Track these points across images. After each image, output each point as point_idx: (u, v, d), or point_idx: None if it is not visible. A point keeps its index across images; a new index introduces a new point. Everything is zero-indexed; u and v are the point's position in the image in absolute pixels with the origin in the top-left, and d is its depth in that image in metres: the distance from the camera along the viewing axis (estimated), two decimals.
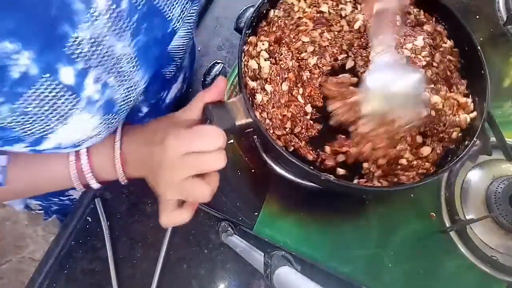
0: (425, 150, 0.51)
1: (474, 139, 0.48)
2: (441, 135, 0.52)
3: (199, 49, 0.71)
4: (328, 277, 0.54)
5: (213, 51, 0.70)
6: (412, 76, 0.47)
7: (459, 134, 0.51)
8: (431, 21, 0.58)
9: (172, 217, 0.41)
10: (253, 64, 0.52)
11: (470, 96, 0.53)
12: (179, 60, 0.51)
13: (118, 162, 0.42)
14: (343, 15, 0.59)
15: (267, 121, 0.51)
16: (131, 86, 0.40)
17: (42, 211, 0.80)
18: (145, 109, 0.54)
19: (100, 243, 0.56)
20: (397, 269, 0.54)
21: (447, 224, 0.56)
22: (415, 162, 0.51)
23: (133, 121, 0.53)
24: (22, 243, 1.47)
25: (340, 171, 0.50)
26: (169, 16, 0.40)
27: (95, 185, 0.44)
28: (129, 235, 0.56)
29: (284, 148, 0.46)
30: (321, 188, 0.56)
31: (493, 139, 0.54)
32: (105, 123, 0.38)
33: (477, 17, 0.75)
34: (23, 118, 0.32)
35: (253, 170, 0.58)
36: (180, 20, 0.43)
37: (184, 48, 0.49)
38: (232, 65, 0.66)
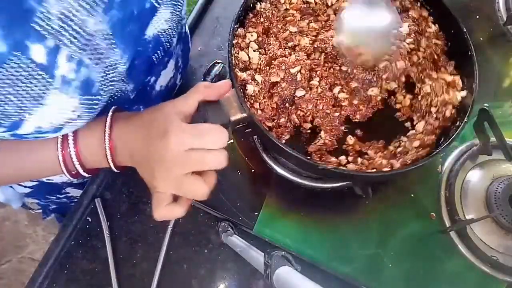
0: (420, 125, 0.52)
1: (466, 119, 0.48)
2: (435, 115, 0.52)
3: (199, 49, 0.71)
4: (328, 277, 0.54)
5: (213, 51, 0.70)
6: (386, 14, 0.51)
7: (453, 111, 0.51)
8: (416, 6, 0.58)
9: (167, 210, 0.41)
10: (243, 55, 0.53)
11: (459, 77, 0.53)
12: (167, 44, 0.50)
13: (107, 150, 0.41)
14: (329, 4, 0.59)
15: (259, 111, 0.51)
16: (110, 66, 0.38)
17: (41, 210, 0.80)
18: (132, 95, 0.53)
19: (100, 243, 0.56)
20: (397, 269, 0.54)
21: (447, 224, 0.56)
22: (414, 143, 0.51)
23: (122, 107, 0.53)
24: (22, 243, 1.47)
25: (342, 159, 0.51)
26: None
27: (83, 173, 0.43)
28: (129, 235, 0.56)
29: (278, 139, 0.47)
30: (321, 188, 0.56)
31: (493, 139, 0.54)
32: (85, 105, 0.37)
33: (477, 17, 0.75)
34: None
35: (253, 170, 0.58)
36: None
37: (173, 32, 0.48)
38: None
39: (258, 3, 0.57)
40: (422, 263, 0.54)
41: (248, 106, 0.47)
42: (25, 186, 0.67)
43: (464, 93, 0.52)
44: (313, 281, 0.36)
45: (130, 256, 0.55)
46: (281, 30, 0.56)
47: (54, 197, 0.74)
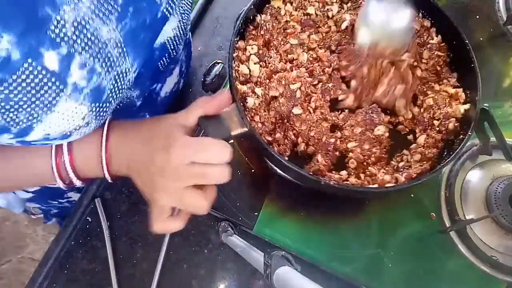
0: (421, 138, 0.52)
1: (469, 132, 0.47)
2: (438, 128, 0.52)
3: (199, 49, 0.71)
4: (328, 277, 0.54)
5: (213, 51, 0.70)
6: (403, 11, 0.51)
7: (456, 124, 0.51)
8: (417, 17, 0.58)
9: (166, 224, 0.41)
10: (243, 69, 0.52)
11: (462, 89, 0.53)
12: (174, 52, 0.50)
13: (103, 159, 0.41)
14: (330, 15, 0.59)
15: (259, 124, 0.50)
16: (120, 74, 0.38)
17: (42, 215, 0.80)
18: (138, 102, 0.53)
19: (100, 243, 0.56)
20: (397, 269, 0.54)
21: (447, 224, 0.56)
22: (415, 157, 0.51)
23: (128, 114, 0.52)
24: (22, 243, 1.47)
25: (342, 174, 0.50)
26: None
27: (76, 182, 0.42)
28: (129, 235, 0.56)
29: (281, 155, 0.46)
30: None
31: (493, 139, 0.54)
32: (94, 112, 0.37)
33: (477, 17, 0.75)
34: (6, 107, 0.31)
35: (253, 170, 0.58)
36: (171, 4, 0.42)
37: (179, 40, 0.48)
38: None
39: (258, 15, 0.56)
40: (422, 263, 0.54)
41: (249, 120, 0.47)
42: (27, 191, 0.67)
43: (467, 106, 0.51)
44: (313, 281, 0.36)
45: (130, 256, 0.55)
46: (282, 43, 0.56)
47: (56, 202, 0.74)
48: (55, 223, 0.84)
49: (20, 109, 0.32)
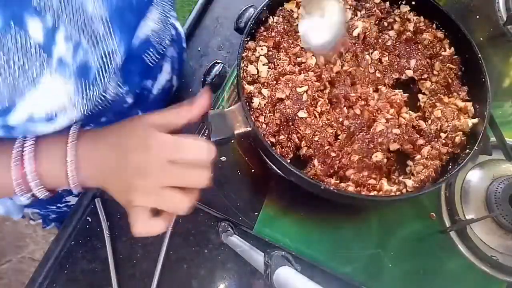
0: (425, 150, 0.51)
1: (476, 147, 0.47)
2: (444, 140, 0.51)
3: (199, 49, 0.71)
4: (328, 277, 0.54)
5: (213, 51, 0.70)
6: (332, 7, 0.54)
7: (463, 138, 0.51)
8: (430, 29, 0.58)
9: (149, 226, 0.39)
10: (252, 69, 0.53)
11: (471, 103, 0.53)
12: (161, 47, 0.50)
13: (69, 170, 0.38)
14: None
15: (264, 125, 0.50)
16: (107, 54, 0.38)
17: (41, 220, 0.79)
18: (130, 99, 0.53)
19: (100, 243, 0.56)
20: (397, 269, 0.54)
21: (447, 224, 0.56)
22: (417, 168, 0.50)
23: (119, 112, 0.52)
24: (22, 243, 1.47)
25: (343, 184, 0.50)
26: None
27: (41, 194, 0.39)
28: (129, 235, 0.56)
29: (283, 157, 0.47)
30: None
31: (493, 139, 0.54)
32: (81, 92, 0.36)
33: (477, 17, 0.75)
34: None
35: (253, 170, 0.58)
36: None
37: (163, 34, 0.48)
38: (232, 65, 0.66)
39: (271, 17, 0.56)
40: (422, 263, 0.54)
41: (253, 120, 0.47)
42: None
43: (475, 120, 0.51)
44: (313, 281, 0.36)
45: (130, 256, 0.55)
46: (292, 45, 0.56)
47: (54, 207, 0.74)
48: (54, 228, 0.83)
49: (5, 81, 0.31)
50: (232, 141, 0.59)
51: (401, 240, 0.55)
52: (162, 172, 0.37)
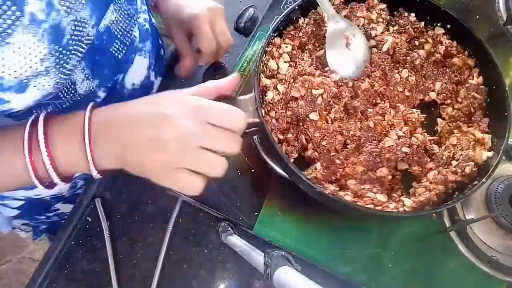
0: (430, 174, 0.50)
1: (484, 179, 0.46)
2: (454, 168, 0.49)
3: None
4: (328, 277, 0.54)
5: None
6: (355, 34, 0.55)
7: (474, 169, 0.49)
8: (461, 55, 0.56)
9: (190, 181, 0.38)
10: (272, 64, 0.53)
11: (490, 136, 0.51)
12: (126, 39, 0.50)
13: (88, 154, 0.37)
14: (373, 35, 0.58)
15: (273, 121, 0.50)
16: (80, 21, 0.38)
17: (31, 232, 0.78)
18: (102, 94, 0.52)
19: (100, 243, 0.56)
20: (397, 269, 0.54)
21: (447, 224, 0.56)
22: (418, 190, 0.49)
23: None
24: (22, 243, 1.47)
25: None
26: None
27: (57, 181, 0.38)
28: (129, 235, 0.56)
29: (286, 155, 0.46)
30: None
31: None
32: (54, 57, 0.36)
33: (477, 17, 0.75)
34: None
35: (253, 170, 0.58)
36: None
37: (125, 25, 0.49)
38: (232, 65, 0.66)
39: (302, 18, 0.57)
40: (422, 263, 0.54)
41: (263, 113, 0.46)
42: (12, 208, 0.65)
43: (490, 153, 0.49)
44: (313, 281, 0.36)
45: (130, 256, 0.55)
46: (317, 48, 0.56)
47: (44, 217, 0.72)
48: (46, 239, 0.82)
49: None
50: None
51: (401, 240, 0.55)
52: (202, 131, 0.36)
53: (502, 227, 0.54)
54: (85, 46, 0.40)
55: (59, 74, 0.38)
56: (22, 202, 0.64)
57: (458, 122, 0.54)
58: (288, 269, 0.38)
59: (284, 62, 0.53)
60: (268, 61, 0.53)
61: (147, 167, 0.38)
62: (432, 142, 0.53)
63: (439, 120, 0.56)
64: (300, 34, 0.56)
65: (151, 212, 0.57)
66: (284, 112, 0.51)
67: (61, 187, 0.64)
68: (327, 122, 0.52)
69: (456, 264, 0.54)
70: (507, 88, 0.51)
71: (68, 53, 0.38)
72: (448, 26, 0.57)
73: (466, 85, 0.55)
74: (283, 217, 0.55)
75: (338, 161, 0.50)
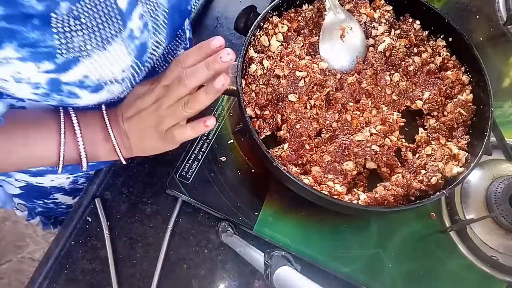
0: (394, 177, 0.51)
1: (445, 193, 0.47)
2: (422, 177, 0.50)
3: None
4: (328, 277, 0.54)
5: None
6: (353, 28, 0.56)
7: (440, 181, 0.49)
8: (457, 69, 0.57)
9: (187, 128, 0.42)
10: (264, 40, 0.54)
11: (466, 153, 0.51)
12: (170, 59, 0.52)
13: (116, 146, 0.44)
14: (373, 34, 0.58)
15: (253, 94, 0.51)
16: (157, 43, 0.42)
17: (26, 212, 0.79)
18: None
19: (100, 243, 0.56)
20: (397, 269, 0.54)
21: (447, 224, 0.56)
22: (378, 189, 0.50)
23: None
24: (22, 243, 1.47)
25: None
26: None
27: (84, 159, 0.44)
28: (129, 235, 0.56)
29: (257, 131, 0.48)
30: None
31: (493, 139, 0.54)
32: (132, 69, 0.40)
33: (477, 17, 0.75)
34: (73, 24, 0.33)
35: (253, 170, 0.58)
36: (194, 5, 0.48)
37: (171, 46, 0.51)
38: (231, 65, 0.66)
39: (307, 4, 0.57)
40: (422, 263, 0.54)
41: (242, 83, 0.48)
42: (15, 187, 0.67)
43: (461, 169, 0.49)
44: (313, 281, 0.36)
45: (130, 256, 0.55)
46: (313, 35, 0.56)
47: (41, 202, 0.74)
48: (39, 222, 0.83)
49: (80, 32, 0.34)
50: (232, 141, 0.59)
51: (401, 240, 0.55)
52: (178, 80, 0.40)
53: (502, 227, 0.54)
54: (153, 64, 0.44)
55: (129, 85, 0.42)
56: (24, 184, 0.65)
57: (438, 134, 0.54)
58: (288, 269, 0.38)
59: (277, 41, 0.54)
60: (261, 37, 0.53)
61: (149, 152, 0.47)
62: (408, 149, 0.54)
63: (420, 129, 0.56)
64: (299, 18, 0.56)
65: (151, 212, 0.57)
66: (265, 88, 0.51)
67: (62, 181, 0.66)
68: (306, 107, 0.53)
69: (456, 264, 0.54)
70: (492, 109, 0.51)
71: (142, 68, 0.42)
72: (450, 39, 0.57)
73: (455, 100, 0.55)
74: (283, 217, 0.55)
75: (307, 146, 0.51)
